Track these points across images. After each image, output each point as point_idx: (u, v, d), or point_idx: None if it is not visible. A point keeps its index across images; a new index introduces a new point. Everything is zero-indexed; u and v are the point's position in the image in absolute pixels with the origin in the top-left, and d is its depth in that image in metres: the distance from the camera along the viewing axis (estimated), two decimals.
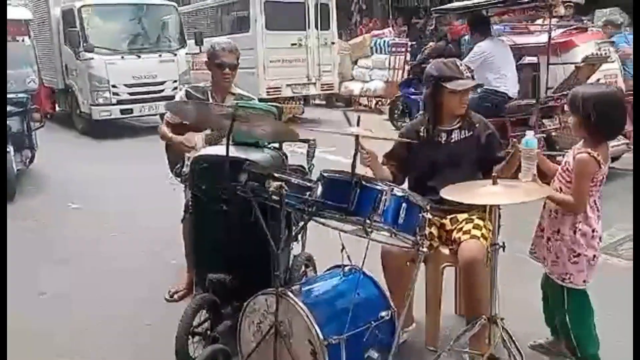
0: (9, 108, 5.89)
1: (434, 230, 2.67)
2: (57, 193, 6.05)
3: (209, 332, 2.60)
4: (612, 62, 5.91)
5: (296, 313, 2.14)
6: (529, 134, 2.32)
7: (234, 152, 2.59)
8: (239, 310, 2.41)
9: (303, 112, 10.81)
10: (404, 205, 2.06)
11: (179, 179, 3.43)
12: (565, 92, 5.17)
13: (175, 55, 10.10)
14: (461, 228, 2.62)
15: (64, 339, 3.07)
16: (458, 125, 2.72)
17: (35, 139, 6.48)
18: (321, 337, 2.07)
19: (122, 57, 9.53)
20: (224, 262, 2.73)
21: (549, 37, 5.58)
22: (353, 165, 2.07)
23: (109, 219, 5.04)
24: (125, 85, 9.45)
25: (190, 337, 2.52)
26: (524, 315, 2.81)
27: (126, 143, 9.11)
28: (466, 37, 7.67)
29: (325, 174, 2.13)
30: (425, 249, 2.14)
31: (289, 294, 2.18)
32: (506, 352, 2.28)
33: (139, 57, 9.61)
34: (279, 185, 2.16)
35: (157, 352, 2.80)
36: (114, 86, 9.33)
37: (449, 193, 2.24)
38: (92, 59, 9.31)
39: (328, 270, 2.61)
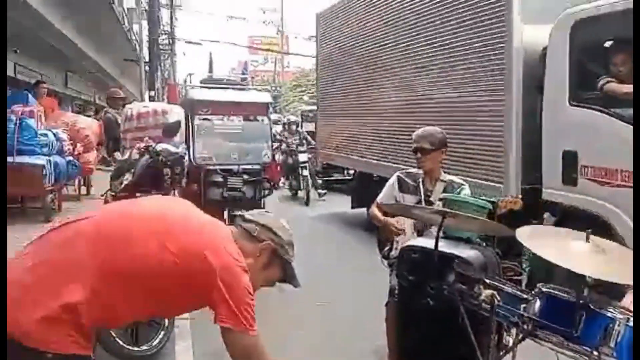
0: (245, 176, 6.73)
1: None
2: None
3: None
4: None
5: None
6: None
7: (443, 246, 2.55)
8: None
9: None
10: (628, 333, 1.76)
11: (386, 262, 3.49)
12: None
13: None
14: None
15: None
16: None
17: (263, 205, 7.26)
18: None
19: None
20: (426, 357, 2.66)
21: None
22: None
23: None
24: None
25: None
26: None
27: None
28: None
29: (544, 289, 1.95)
30: None
31: None
32: None
33: None
34: (491, 294, 2.05)
35: None
36: None
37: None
38: None
39: None
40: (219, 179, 6.58)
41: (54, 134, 7.53)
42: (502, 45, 4.76)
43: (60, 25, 12.20)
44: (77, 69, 19.86)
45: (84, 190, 9.43)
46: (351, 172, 9.02)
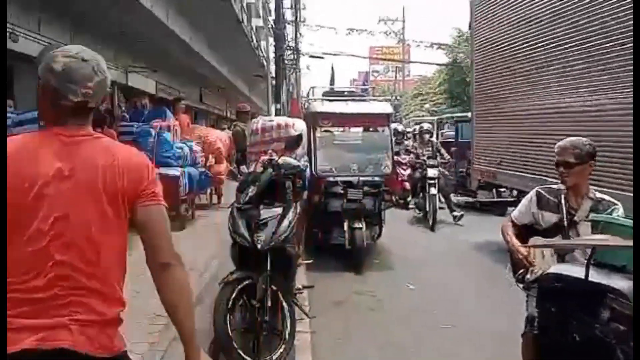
0: (365, 188, 6.60)
1: None
2: (397, 271, 6.45)
3: None
4: None
5: None
6: None
7: (593, 274, 2.22)
8: None
9: None
10: None
11: (521, 286, 3.17)
12: None
13: None
14: None
15: None
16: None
17: (383, 217, 7.09)
18: None
19: None
20: None
21: None
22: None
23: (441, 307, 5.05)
24: None
25: None
26: None
27: None
28: None
29: None
30: None
31: None
32: None
33: None
34: None
35: None
36: None
37: None
38: None
39: None
40: (339, 190, 6.54)
41: (189, 147, 8.02)
42: None
43: (195, 45, 13.11)
44: (210, 85, 21.27)
45: (214, 199, 9.95)
46: (501, 190, 8.03)
